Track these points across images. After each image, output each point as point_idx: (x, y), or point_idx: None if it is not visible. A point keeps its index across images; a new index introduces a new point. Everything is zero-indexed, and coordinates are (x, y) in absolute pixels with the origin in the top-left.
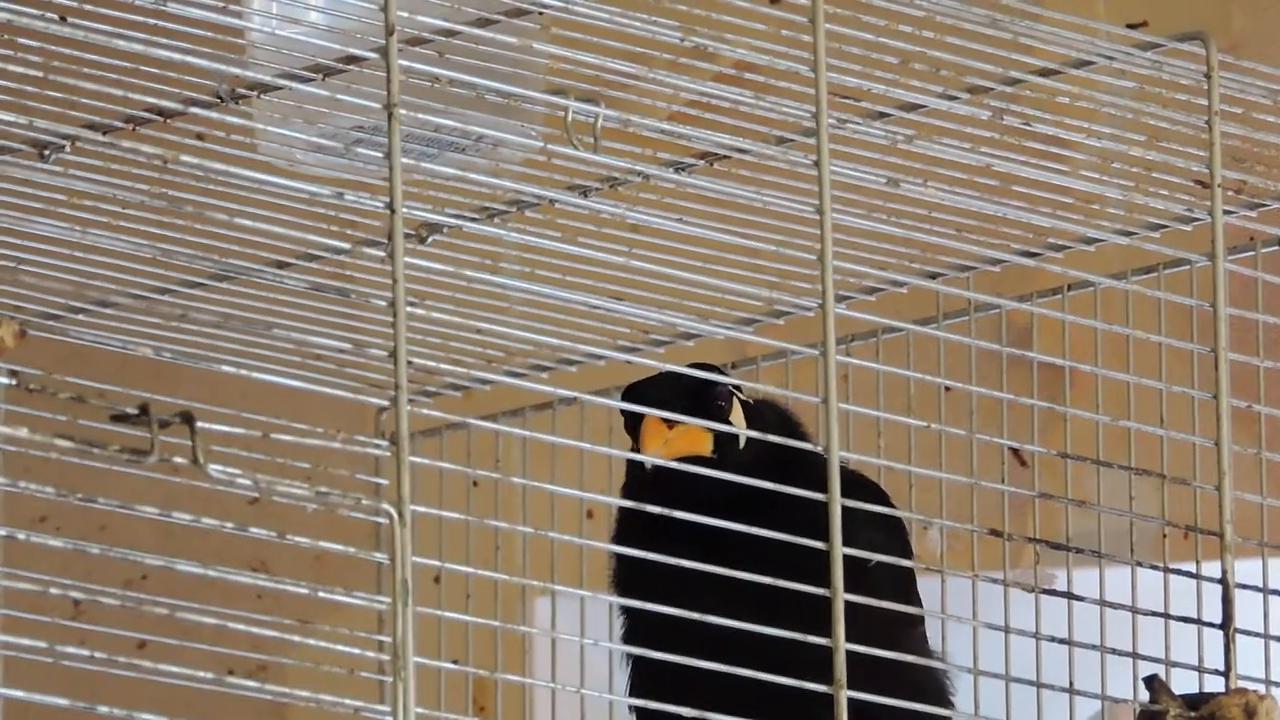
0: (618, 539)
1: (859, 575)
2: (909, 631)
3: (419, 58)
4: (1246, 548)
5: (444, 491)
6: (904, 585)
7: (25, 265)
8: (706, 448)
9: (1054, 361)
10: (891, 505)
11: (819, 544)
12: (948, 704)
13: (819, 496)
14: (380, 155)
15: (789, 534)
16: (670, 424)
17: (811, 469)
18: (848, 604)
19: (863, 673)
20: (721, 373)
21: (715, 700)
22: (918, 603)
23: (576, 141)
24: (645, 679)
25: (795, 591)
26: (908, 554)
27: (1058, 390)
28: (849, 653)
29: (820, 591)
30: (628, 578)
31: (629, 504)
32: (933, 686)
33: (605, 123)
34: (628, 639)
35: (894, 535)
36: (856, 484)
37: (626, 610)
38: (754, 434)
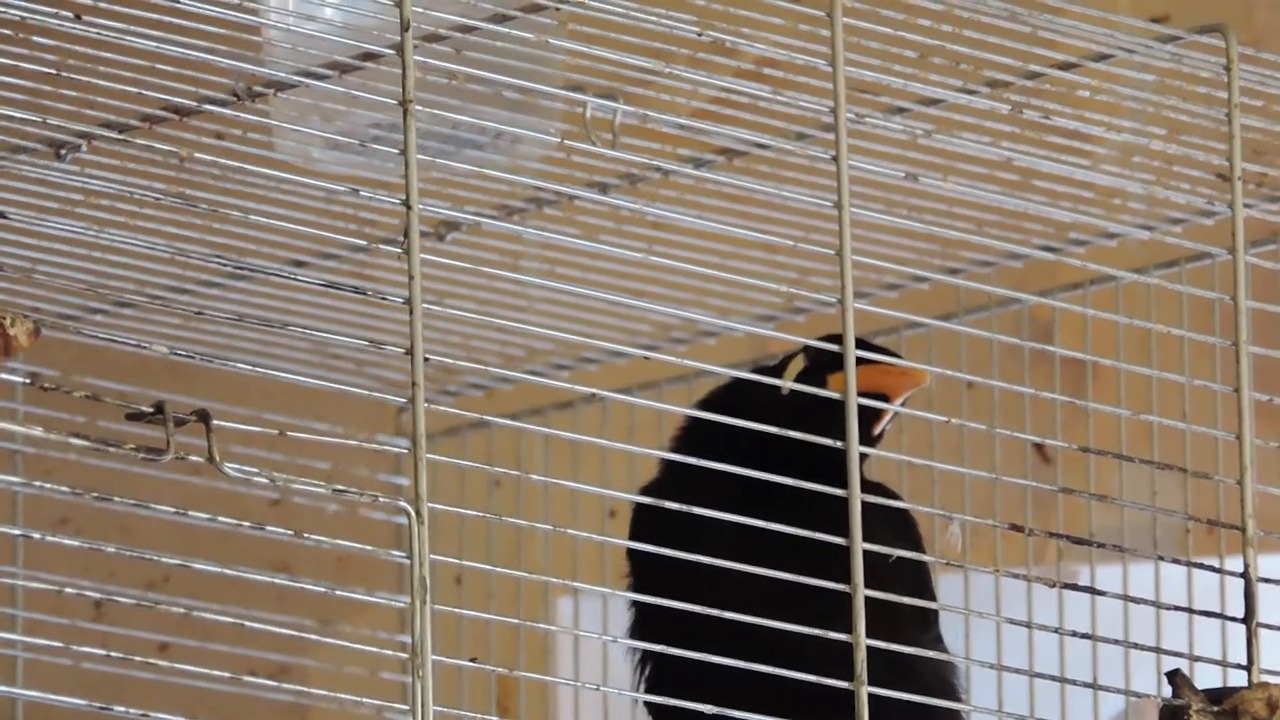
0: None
1: (876, 577)
2: (925, 635)
3: (436, 54)
4: (1269, 541)
5: (466, 491)
6: (921, 591)
7: (41, 265)
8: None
9: (1076, 356)
10: (910, 516)
11: (839, 539)
12: (958, 702)
13: (839, 492)
14: (397, 152)
15: (823, 528)
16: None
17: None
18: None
19: (873, 669)
20: None
21: (727, 689)
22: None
23: (595, 138)
24: (659, 671)
25: (813, 588)
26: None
27: (1080, 385)
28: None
29: (840, 587)
30: (648, 560)
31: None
32: (944, 688)
33: (624, 119)
34: (640, 628)
35: (910, 542)
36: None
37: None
38: (784, 432)
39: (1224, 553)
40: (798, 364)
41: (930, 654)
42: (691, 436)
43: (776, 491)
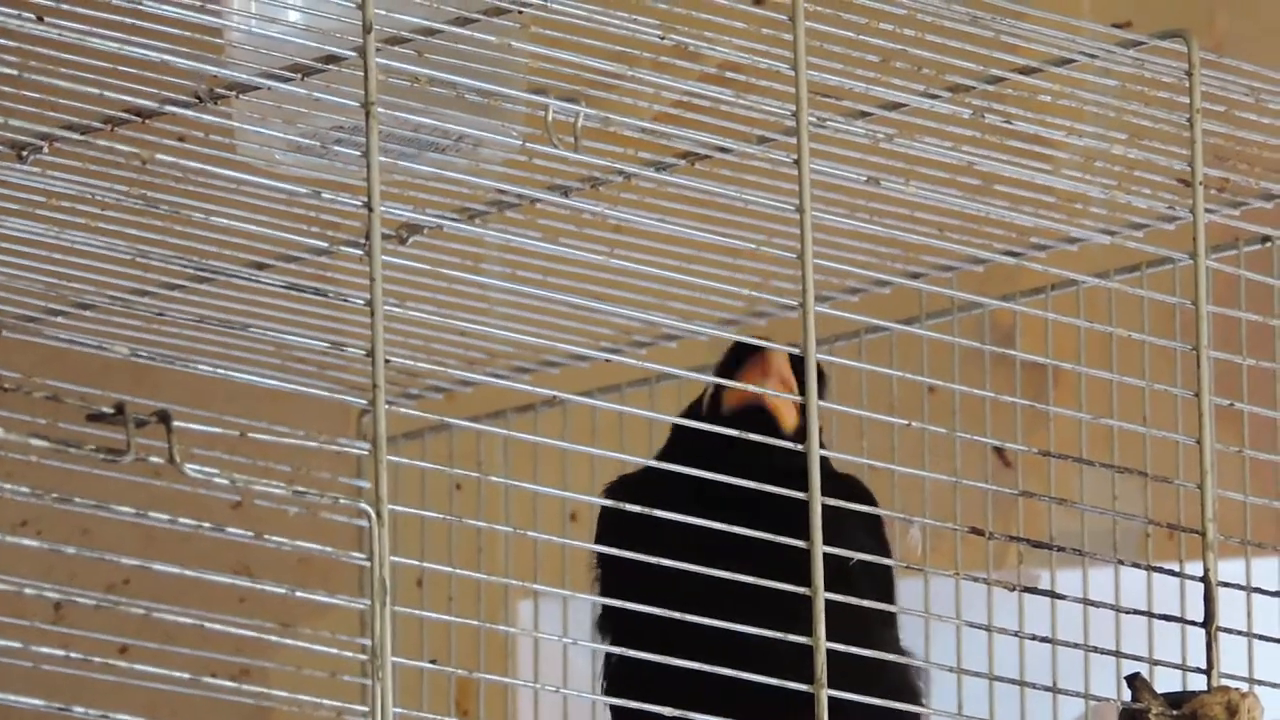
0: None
1: (842, 575)
2: (884, 632)
3: (398, 57)
4: (1229, 546)
5: (427, 494)
6: (883, 585)
7: (2, 267)
8: (791, 424)
9: (1037, 360)
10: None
11: (799, 543)
12: (921, 704)
13: (800, 495)
14: (359, 154)
15: (789, 532)
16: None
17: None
18: (827, 603)
19: (837, 671)
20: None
21: (689, 691)
22: (895, 602)
23: (557, 141)
24: (624, 674)
25: (776, 590)
26: (888, 553)
27: (1041, 389)
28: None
29: (800, 590)
30: (614, 567)
31: (665, 465)
32: (907, 686)
33: (586, 122)
34: (605, 631)
35: (877, 537)
36: (851, 490)
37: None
38: (733, 432)
39: (1184, 557)
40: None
41: (893, 658)
42: (671, 449)
43: (753, 497)
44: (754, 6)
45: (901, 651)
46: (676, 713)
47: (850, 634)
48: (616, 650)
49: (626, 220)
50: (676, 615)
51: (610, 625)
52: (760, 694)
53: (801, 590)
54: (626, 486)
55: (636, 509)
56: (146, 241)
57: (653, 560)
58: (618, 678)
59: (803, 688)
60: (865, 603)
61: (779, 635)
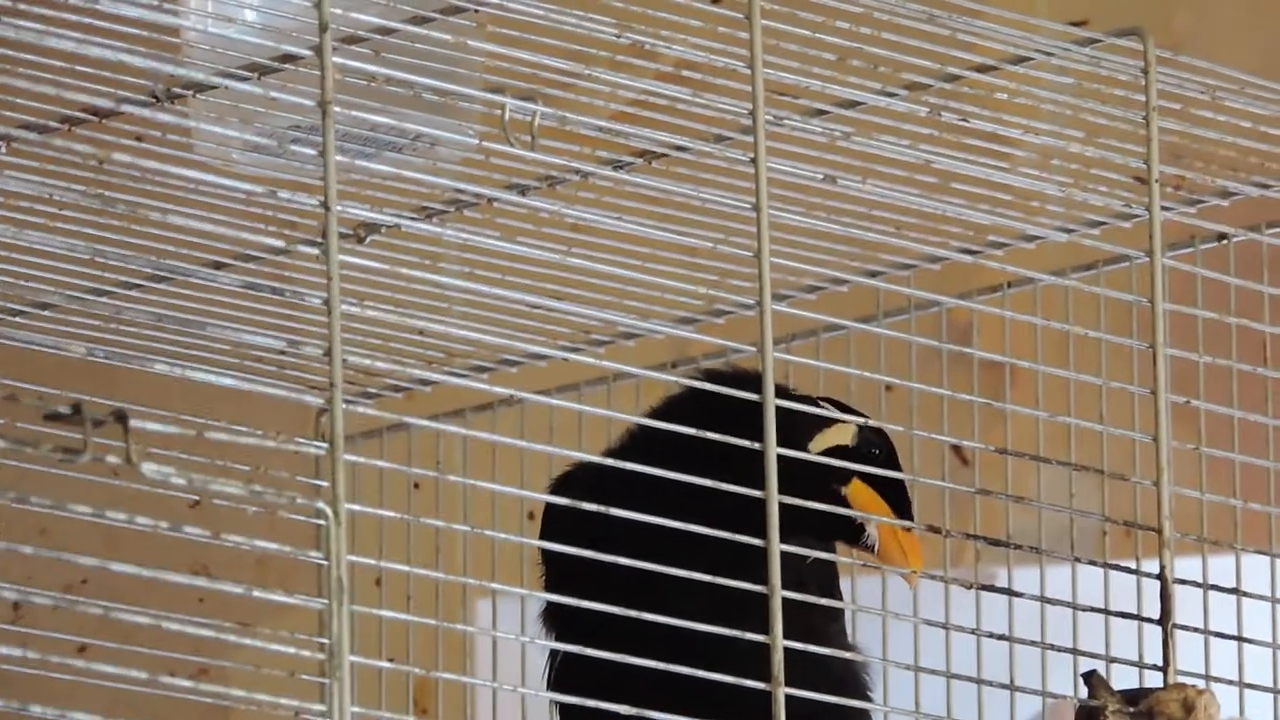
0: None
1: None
2: (830, 625)
3: (355, 56)
4: (1186, 544)
5: (385, 493)
6: (828, 579)
7: None
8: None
9: (994, 358)
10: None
11: (757, 541)
12: (866, 697)
13: (756, 494)
14: (316, 154)
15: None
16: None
17: None
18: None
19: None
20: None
21: (631, 685)
22: (839, 596)
23: (514, 140)
24: (567, 667)
25: (719, 585)
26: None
27: (998, 387)
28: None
29: (758, 588)
30: (560, 560)
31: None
32: (851, 679)
33: (543, 121)
34: (549, 625)
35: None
36: None
37: (554, 609)
38: (692, 431)
39: (1141, 554)
40: (841, 434)
41: (845, 654)
42: (638, 443)
43: (724, 497)
44: (710, 5)
45: (846, 643)
46: (633, 711)
47: (799, 629)
48: (576, 649)
49: (584, 219)
50: (619, 611)
51: (554, 619)
52: (703, 689)
53: (758, 589)
54: (573, 483)
55: (592, 507)
56: (104, 241)
57: (604, 558)
58: (563, 670)
59: (760, 686)
60: (823, 601)
61: (733, 633)
